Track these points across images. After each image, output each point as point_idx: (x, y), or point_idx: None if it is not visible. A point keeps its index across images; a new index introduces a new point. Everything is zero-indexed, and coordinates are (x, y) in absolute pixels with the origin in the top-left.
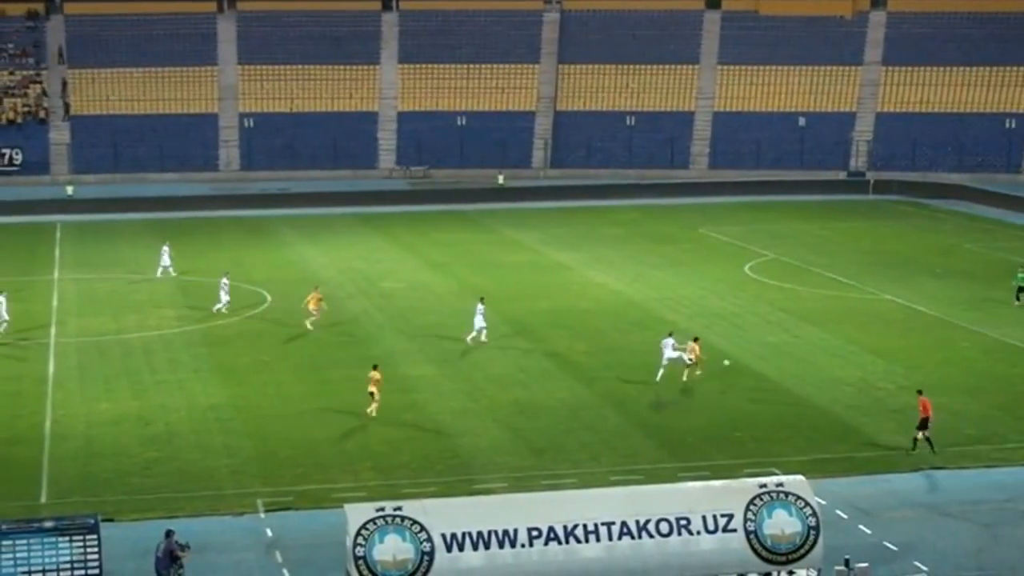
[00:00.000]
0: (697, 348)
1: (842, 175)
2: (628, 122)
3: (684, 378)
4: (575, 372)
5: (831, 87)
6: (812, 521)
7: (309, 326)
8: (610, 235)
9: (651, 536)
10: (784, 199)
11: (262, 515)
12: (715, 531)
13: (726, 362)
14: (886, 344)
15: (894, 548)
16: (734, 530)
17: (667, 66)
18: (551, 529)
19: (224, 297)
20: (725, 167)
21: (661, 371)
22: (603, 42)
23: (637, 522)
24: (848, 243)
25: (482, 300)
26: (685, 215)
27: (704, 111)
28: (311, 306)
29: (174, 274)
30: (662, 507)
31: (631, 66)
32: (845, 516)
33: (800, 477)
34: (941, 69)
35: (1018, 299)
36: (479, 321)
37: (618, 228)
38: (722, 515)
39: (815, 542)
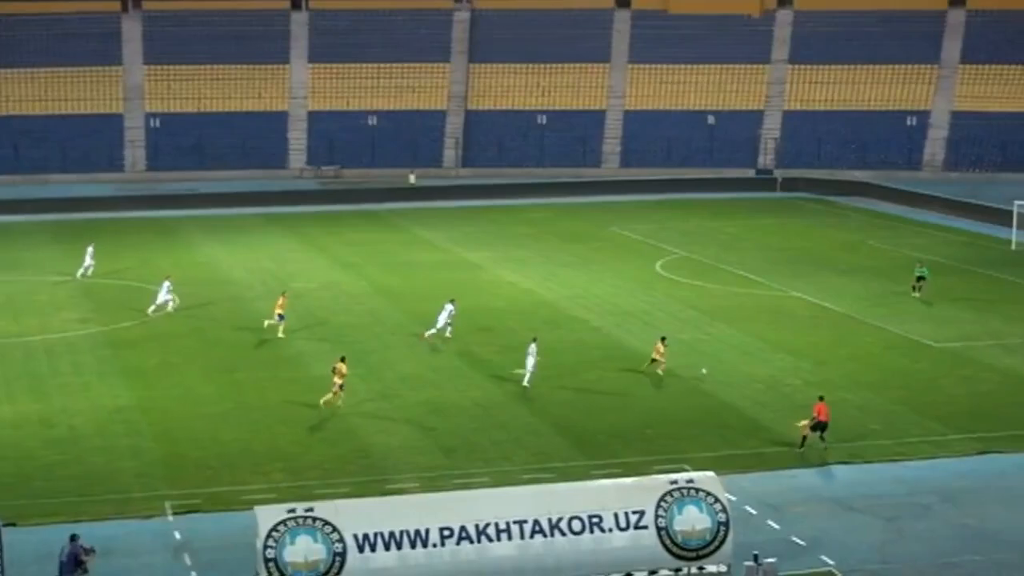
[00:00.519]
0: (662, 347)
1: (751, 173)
2: (539, 121)
3: (643, 367)
4: (487, 371)
5: (739, 85)
6: (722, 517)
7: (280, 333)
8: (522, 234)
9: (563, 534)
10: (694, 197)
11: (170, 518)
12: (627, 528)
13: (704, 371)
14: (794, 341)
15: (801, 543)
16: (645, 527)
17: (578, 65)
18: (463, 528)
19: (165, 296)
20: (636, 165)
21: (528, 375)
22: (514, 41)
23: (549, 520)
24: (757, 240)
25: (452, 301)
26: (596, 213)
27: (615, 110)
28: (278, 310)
29: (78, 276)
30: (574, 505)
31: (542, 65)
32: (754, 512)
33: (710, 473)
34: (846, 67)
35: (914, 290)
36: (443, 319)
37: (529, 227)
38: (633, 512)
39: (725, 538)
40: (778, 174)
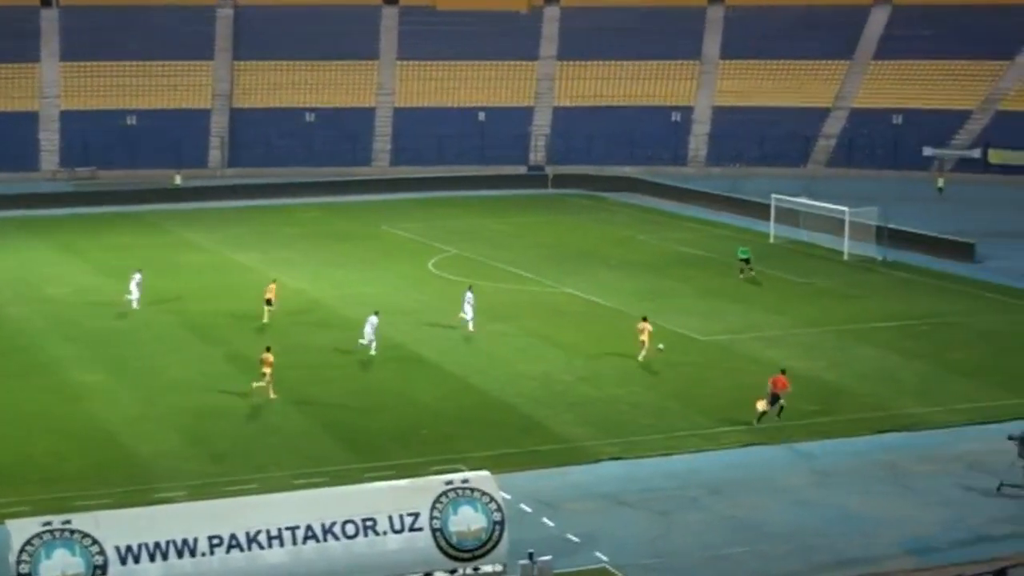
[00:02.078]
0: (649, 327)
1: (522, 170)
2: (307, 119)
3: (640, 357)
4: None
5: (509, 82)
6: (497, 516)
7: (266, 319)
8: (291, 234)
9: (337, 539)
10: (466, 194)
11: None
12: (401, 531)
13: (660, 346)
14: (566, 337)
15: (576, 540)
16: (420, 529)
17: (346, 62)
18: (233, 536)
19: (135, 292)
20: (407, 164)
21: (372, 344)
22: (279, 38)
23: (322, 525)
24: (529, 237)
25: (470, 288)
26: (367, 213)
27: (385, 107)
28: (268, 295)
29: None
30: (347, 509)
31: (309, 62)
32: (529, 510)
33: (485, 473)
34: (612, 63)
35: (741, 272)
36: (468, 311)
37: (299, 227)
38: (408, 514)
39: (500, 537)
40: (549, 171)
